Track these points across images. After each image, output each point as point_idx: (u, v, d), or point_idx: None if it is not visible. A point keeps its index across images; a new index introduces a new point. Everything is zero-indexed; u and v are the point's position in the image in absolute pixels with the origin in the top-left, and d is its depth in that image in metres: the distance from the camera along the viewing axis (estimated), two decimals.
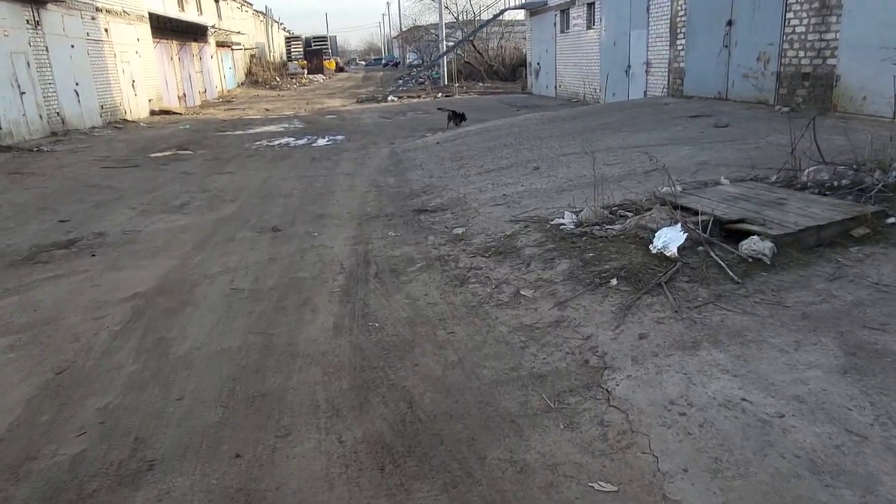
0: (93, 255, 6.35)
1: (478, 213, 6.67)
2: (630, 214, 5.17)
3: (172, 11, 30.83)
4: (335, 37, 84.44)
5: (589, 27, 22.07)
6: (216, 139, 17.20)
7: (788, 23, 10.14)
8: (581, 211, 5.40)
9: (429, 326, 3.83)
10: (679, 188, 5.72)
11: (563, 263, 4.32)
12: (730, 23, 11.55)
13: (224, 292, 4.93)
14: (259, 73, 49.25)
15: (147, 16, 26.29)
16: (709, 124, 9.73)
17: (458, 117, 16.48)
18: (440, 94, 30.36)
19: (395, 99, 29.28)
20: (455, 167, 9.47)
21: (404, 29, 65.11)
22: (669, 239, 3.99)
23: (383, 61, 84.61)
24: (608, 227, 4.89)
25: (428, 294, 4.34)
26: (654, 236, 4.27)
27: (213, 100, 35.72)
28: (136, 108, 24.04)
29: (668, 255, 3.96)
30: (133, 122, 22.51)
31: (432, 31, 48.04)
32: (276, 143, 16.08)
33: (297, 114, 24.99)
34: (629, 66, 19.05)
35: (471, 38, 35.68)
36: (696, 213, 4.48)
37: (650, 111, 11.92)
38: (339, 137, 16.49)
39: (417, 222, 6.79)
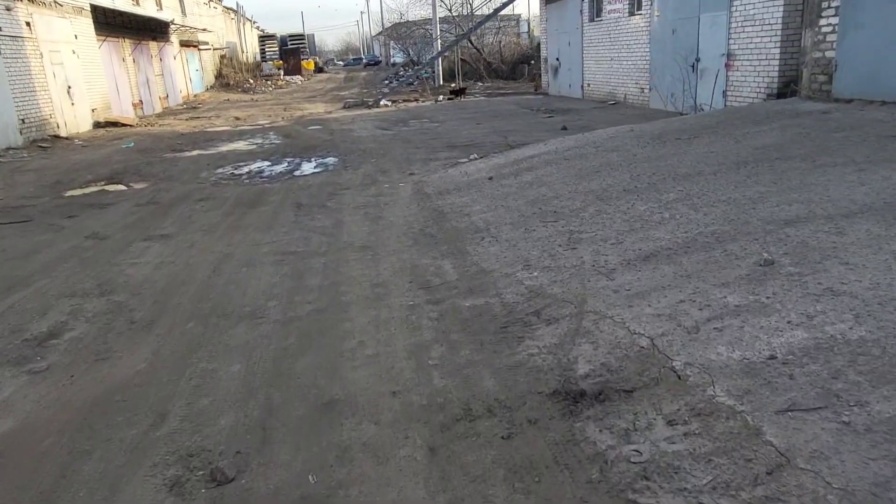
0: None
1: (767, 442, 2.45)
2: None
3: (123, 4, 26.21)
4: (313, 35, 79.66)
5: (633, 13, 17.97)
6: (164, 165, 12.79)
7: None
8: None
9: None
10: None
11: None
12: None
13: None
14: (230, 75, 44.60)
15: (88, 8, 21.72)
16: None
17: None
18: (441, 97, 26.13)
19: (389, 103, 24.99)
20: (559, 237, 5.24)
21: (387, 25, 60.70)
22: None
23: (364, 61, 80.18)
24: None
25: None
26: None
27: (176, 106, 31.18)
28: (74, 120, 19.48)
29: None
30: (67, 138, 17.97)
31: (424, 26, 43.73)
32: (245, 170, 11.73)
33: (273, 123, 20.60)
34: (697, 60, 14.96)
35: (474, 32, 31.43)
36: None
37: (816, 124, 7.78)
38: (331, 160, 12.17)
39: (597, 464, 2.56)
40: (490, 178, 7.88)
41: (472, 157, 10.39)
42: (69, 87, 19.41)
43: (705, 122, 8.88)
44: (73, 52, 20.30)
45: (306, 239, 6.28)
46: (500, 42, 41.18)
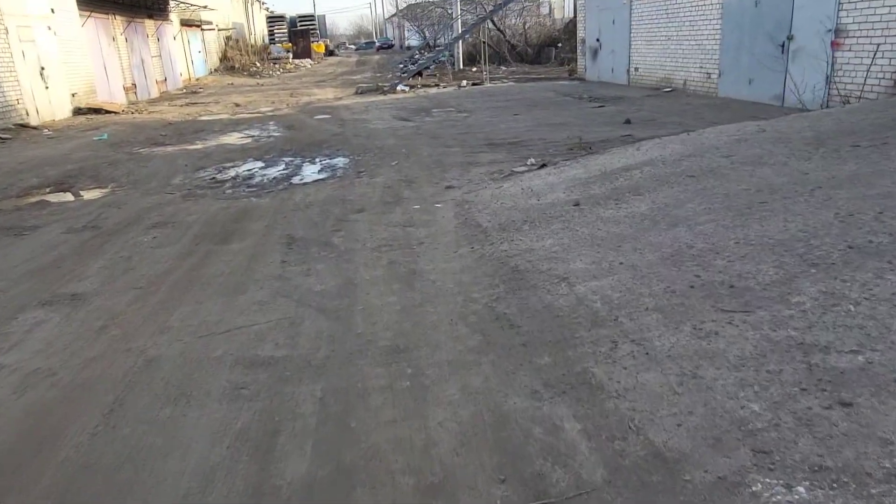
0: None
1: None
2: None
3: None
4: (324, 17, 76.61)
5: None
6: (133, 164, 10.27)
7: None
8: None
9: None
10: None
11: None
12: None
13: None
14: (236, 58, 41.92)
15: None
16: None
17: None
18: (465, 82, 23.39)
19: (406, 89, 22.29)
20: (784, 359, 2.64)
21: (402, 6, 57.72)
22: None
23: (377, 44, 77.23)
24: None
25: None
26: None
27: (175, 91, 28.63)
28: (49, 106, 16.99)
29: None
30: (36, 127, 15.48)
31: (441, 6, 40.82)
32: (231, 174, 9.16)
33: (276, 111, 18.02)
34: (789, 38, 12.18)
35: (502, 9, 28.53)
36: None
37: None
38: (341, 162, 9.58)
39: None
40: (577, 205, 5.25)
41: (528, 162, 7.76)
42: (42, 69, 16.88)
43: (874, 121, 6.18)
44: (49, 29, 17.76)
45: (294, 324, 3.69)
46: (524, 23, 38.21)
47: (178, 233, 5.92)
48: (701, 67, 15.34)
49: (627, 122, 11.45)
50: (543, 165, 7.24)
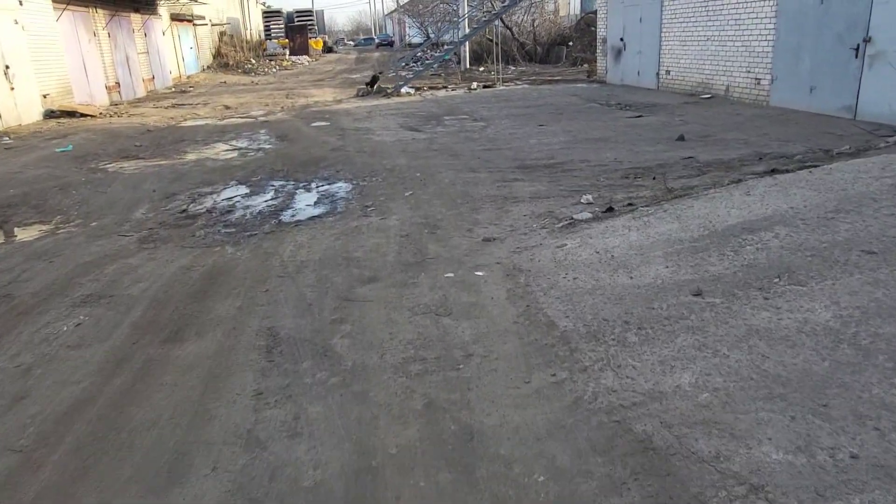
0: None
1: None
2: None
3: None
4: (322, 12, 74.52)
5: None
6: (92, 187, 8.50)
7: None
8: None
9: None
10: None
11: None
12: None
13: None
14: (230, 55, 40.04)
15: None
16: None
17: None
18: (475, 84, 21.58)
19: (412, 91, 20.49)
20: None
21: (403, 1, 55.78)
22: None
23: (376, 40, 75.31)
24: None
25: None
26: None
27: (164, 89, 26.83)
28: (15, 109, 15.20)
29: None
30: None
31: (446, 1, 38.93)
32: (207, 204, 7.37)
33: (269, 114, 16.24)
34: (866, 41, 10.43)
35: (512, 7, 26.66)
36: None
37: None
38: (341, 190, 7.81)
39: None
40: (698, 294, 3.49)
41: (584, 200, 6.01)
42: (7, 68, 15.08)
43: None
44: (16, 23, 15.94)
45: None
46: (532, 21, 36.37)
47: (114, 317, 4.15)
48: (748, 72, 13.58)
49: (681, 138, 9.70)
50: (610, 209, 5.48)
